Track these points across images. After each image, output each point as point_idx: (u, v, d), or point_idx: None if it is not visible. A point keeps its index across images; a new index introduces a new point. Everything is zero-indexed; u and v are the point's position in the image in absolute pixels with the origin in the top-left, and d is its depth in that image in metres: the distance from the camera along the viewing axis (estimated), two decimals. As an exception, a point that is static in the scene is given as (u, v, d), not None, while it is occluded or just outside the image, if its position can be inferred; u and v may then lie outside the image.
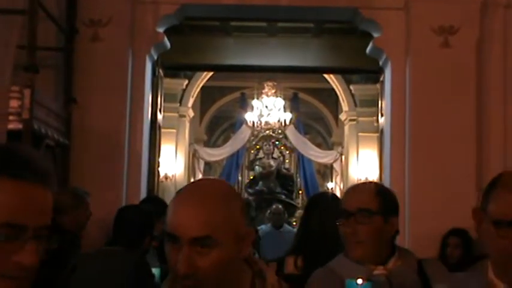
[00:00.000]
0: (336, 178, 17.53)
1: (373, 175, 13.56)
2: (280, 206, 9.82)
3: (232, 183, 16.78)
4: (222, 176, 17.25)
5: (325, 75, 15.01)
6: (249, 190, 17.06)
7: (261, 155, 18.21)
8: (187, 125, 15.64)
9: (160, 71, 8.03)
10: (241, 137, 16.85)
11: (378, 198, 2.57)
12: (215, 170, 18.93)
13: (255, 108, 16.31)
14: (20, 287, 1.35)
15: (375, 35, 7.22)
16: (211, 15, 8.27)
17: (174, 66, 10.00)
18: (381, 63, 7.44)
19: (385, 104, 7.55)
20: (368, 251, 2.51)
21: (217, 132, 19.73)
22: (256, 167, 17.69)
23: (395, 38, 6.98)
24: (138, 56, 7.00)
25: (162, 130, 8.55)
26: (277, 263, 3.47)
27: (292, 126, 16.76)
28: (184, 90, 14.97)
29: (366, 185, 2.78)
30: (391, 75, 7.09)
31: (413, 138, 6.78)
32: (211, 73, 14.62)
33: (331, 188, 17.05)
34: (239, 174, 17.74)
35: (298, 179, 17.87)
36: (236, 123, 17.60)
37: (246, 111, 16.53)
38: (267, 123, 16.36)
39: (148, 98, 7.38)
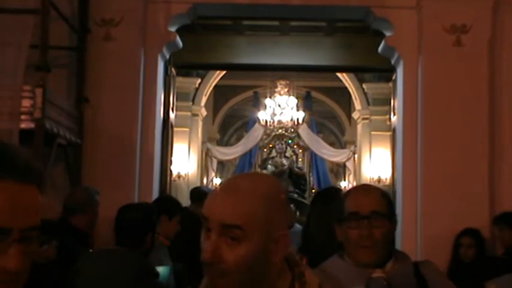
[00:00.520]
0: (348, 177, 17.53)
1: (386, 174, 13.55)
2: (291, 206, 9.82)
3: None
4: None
5: (338, 74, 15.01)
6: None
7: (273, 154, 18.21)
8: (200, 123, 15.68)
9: (173, 70, 8.04)
10: (254, 135, 16.87)
11: (385, 201, 2.53)
12: (228, 169, 18.95)
13: (267, 107, 16.32)
14: None
15: (387, 33, 7.20)
16: (224, 14, 8.27)
17: (187, 65, 10.02)
18: (393, 62, 7.42)
19: (397, 102, 7.52)
20: (380, 254, 2.46)
21: (230, 131, 19.76)
22: (269, 165, 17.70)
23: (407, 37, 6.95)
24: (150, 55, 7.00)
25: (175, 129, 8.56)
26: None
27: (305, 125, 16.77)
28: (197, 89, 15.01)
29: (372, 187, 2.68)
30: (403, 74, 7.06)
31: (426, 137, 6.75)
32: (224, 72, 14.64)
33: (344, 187, 17.01)
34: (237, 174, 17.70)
35: (311, 178, 17.86)
36: (249, 122, 17.63)
37: (258, 110, 16.55)
38: (279, 122, 16.37)
39: (161, 97, 7.38)
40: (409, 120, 6.93)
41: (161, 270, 3.91)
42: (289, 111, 16.24)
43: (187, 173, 14.76)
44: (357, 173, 15.94)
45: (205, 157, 16.42)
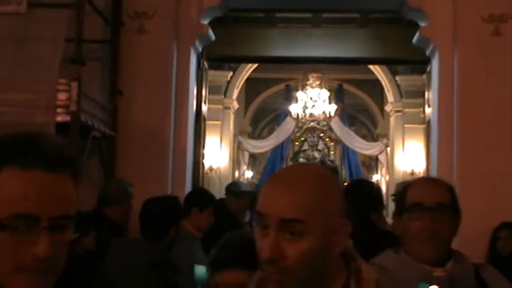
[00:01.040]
0: (381, 170, 17.42)
1: (419, 167, 13.44)
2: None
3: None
4: (266, 168, 17.26)
5: (370, 66, 14.91)
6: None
7: (305, 147, 18.17)
8: (232, 116, 15.69)
9: (205, 63, 8.04)
10: (286, 128, 16.84)
11: (450, 194, 2.39)
12: (260, 162, 18.95)
13: (299, 100, 16.28)
14: (40, 279, 1.32)
15: (422, 24, 7.11)
16: (256, 6, 8.26)
17: (219, 58, 10.01)
18: (427, 53, 7.32)
19: (431, 95, 7.43)
20: (441, 251, 2.31)
21: (262, 124, 19.75)
22: (301, 159, 17.66)
23: (442, 27, 6.85)
24: (183, 48, 7.00)
25: (207, 122, 8.56)
26: None
27: (336, 117, 16.69)
28: (228, 82, 15.01)
29: (438, 179, 2.53)
30: (438, 65, 6.96)
31: (461, 129, 6.65)
32: (255, 65, 14.62)
33: (377, 180, 16.91)
34: (283, 166, 17.70)
35: (343, 171, 17.79)
36: (281, 115, 17.59)
37: (290, 103, 16.51)
38: (311, 115, 16.31)
39: (193, 90, 7.39)
40: (445, 112, 6.83)
41: (199, 269, 3.88)
42: (321, 104, 16.17)
43: (219, 166, 14.77)
44: (390, 166, 15.83)
45: (237, 150, 16.43)
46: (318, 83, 16.33)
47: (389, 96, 15.49)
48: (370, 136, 19.27)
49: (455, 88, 6.73)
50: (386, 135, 16.82)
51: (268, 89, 17.85)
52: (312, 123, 17.57)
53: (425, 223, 2.30)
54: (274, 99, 18.03)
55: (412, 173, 14.15)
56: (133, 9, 6.77)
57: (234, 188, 6.60)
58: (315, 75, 16.27)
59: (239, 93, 15.99)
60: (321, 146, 18.27)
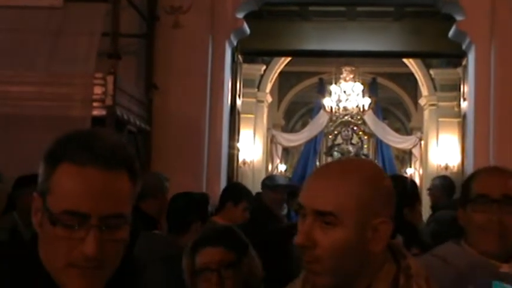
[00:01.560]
0: (414, 164, 17.29)
1: (454, 161, 13.33)
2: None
3: (310, 169, 16.75)
4: (299, 162, 17.22)
5: (404, 60, 14.79)
6: (328, 176, 16.92)
7: (339, 140, 18.09)
8: (265, 110, 15.67)
9: (240, 56, 8.05)
10: (319, 122, 16.79)
11: None
12: (293, 156, 18.91)
13: (333, 93, 16.20)
14: (91, 277, 1.33)
15: (458, 18, 7.04)
16: (291, 0, 8.23)
17: (253, 51, 10.00)
18: (464, 47, 7.24)
19: (468, 88, 7.36)
20: (508, 245, 2.20)
21: (295, 118, 19.68)
22: (335, 152, 17.59)
23: (479, 21, 6.77)
24: (218, 42, 7.02)
25: (241, 115, 8.57)
26: None
27: (370, 111, 16.58)
28: (262, 76, 14.99)
29: (505, 169, 2.35)
30: (474, 59, 6.89)
31: (498, 123, 6.58)
32: (289, 58, 14.58)
33: (410, 174, 16.79)
34: (317, 160, 17.67)
35: (377, 165, 17.67)
36: (314, 109, 17.53)
37: (323, 97, 16.43)
38: (345, 108, 16.22)
39: (228, 83, 7.41)
40: (481, 106, 6.77)
41: None
42: (355, 97, 16.07)
43: (253, 159, 14.77)
44: (424, 159, 15.71)
45: (270, 144, 16.41)
46: (351, 76, 16.22)
47: (424, 89, 15.35)
48: (404, 130, 19.11)
49: (492, 82, 6.66)
50: (419, 129, 16.69)
51: (301, 82, 17.77)
52: (346, 117, 17.49)
53: (490, 216, 2.19)
54: (307, 92, 17.96)
55: (446, 167, 14.03)
56: (169, 4, 6.79)
57: (269, 181, 6.59)
58: (348, 68, 16.16)
59: (272, 86, 15.96)
60: (354, 139, 18.17)
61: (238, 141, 8.15)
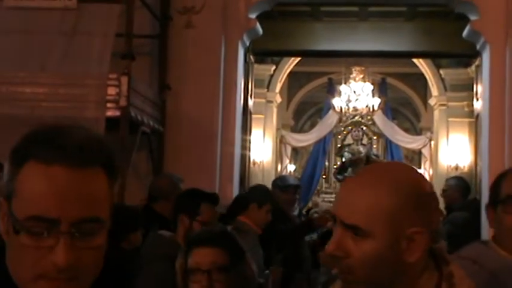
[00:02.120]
0: (424, 164, 17.23)
1: (464, 161, 13.28)
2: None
3: (320, 169, 16.74)
4: (308, 162, 17.19)
5: (414, 60, 14.74)
6: (338, 176, 16.91)
7: (348, 140, 18.05)
8: (275, 110, 15.65)
9: (251, 57, 8.03)
10: (328, 122, 16.74)
11: None
12: (302, 156, 18.89)
13: (342, 93, 16.16)
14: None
15: (472, 18, 6.99)
16: (302, 0, 8.20)
17: (263, 52, 9.97)
18: (478, 47, 7.20)
19: (482, 88, 7.31)
20: None
21: (304, 118, 19.65)
22: (346, 153, 17.54)
23: (494, 21, 6.73)
24: (231, 42, 7.00)
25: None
26: None
27: (380, 111, 16.54)
28: (271, 76, 14.97)
29: None
30: (489, 59, 6.85)
31: (513, 124, 6.54)
32: (298, 58, 14.55)
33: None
34: (326, 160, 17.64)
35: (387, 165, 17.61)
36: (323, 109, 17.48)
37: (333, 97, 16.40)
38: (354, 108, 16.19)
39: (241, 84, 7.39)
40: (496, 106, 6.72)
41: None
42: (364, 97, 16.03)
43: (262, 160, 14.75)
44: (434, 160, 15.65)
45: (280, 144, 16.38)
46: (361, 76, 16.18)
47: (434, 89, 15.30)
48: (413, 130, 19.06)
49: (507, 82, 6.61)
50: (429, 129, 16.64)
51: (310, 82, 17.74)
52: (356, 118, 17.45)
53: None
54: (316, 92, 17.93)
55: (457, 167, 13.97)
56: (182, 4, 6.79)
57: (280, 182, 6.58)
58: (358, 68, 16.12)
59: (282, 86, 15.94)
60: (365, 140, 18.13)
61: (250, 141, 8.13)
